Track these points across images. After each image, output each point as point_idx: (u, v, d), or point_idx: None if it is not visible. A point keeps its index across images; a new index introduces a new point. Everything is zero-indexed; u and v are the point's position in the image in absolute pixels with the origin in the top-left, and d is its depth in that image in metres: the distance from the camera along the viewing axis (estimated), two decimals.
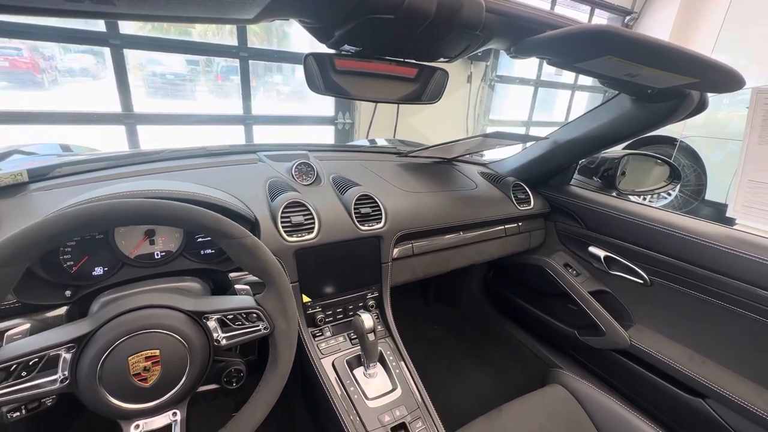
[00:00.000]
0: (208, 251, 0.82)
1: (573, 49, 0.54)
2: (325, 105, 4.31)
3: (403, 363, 0.89)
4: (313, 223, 0.89)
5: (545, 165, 1.25)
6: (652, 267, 1.06)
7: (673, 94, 0.78)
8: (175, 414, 0.54)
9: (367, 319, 0.81)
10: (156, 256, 0.76)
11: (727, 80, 0.63)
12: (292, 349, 0.61)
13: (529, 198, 1.27)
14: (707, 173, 3.50)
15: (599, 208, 1.17)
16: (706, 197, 3.53)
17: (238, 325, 0.57)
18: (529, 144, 1.35)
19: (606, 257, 1.15)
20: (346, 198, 0.98)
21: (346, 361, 0.86)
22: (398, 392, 0.82)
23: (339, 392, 0.80)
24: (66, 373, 0.47)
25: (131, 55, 4.23)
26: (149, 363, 0.50)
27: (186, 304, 0.55)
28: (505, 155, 1.52)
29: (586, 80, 5.18)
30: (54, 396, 0.55)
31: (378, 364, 0.87)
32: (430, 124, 4.14)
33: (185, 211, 0.52)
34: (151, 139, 3.69)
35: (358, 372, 0.85)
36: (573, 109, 5.49)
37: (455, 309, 1.75)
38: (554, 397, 1.01)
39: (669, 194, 3.74)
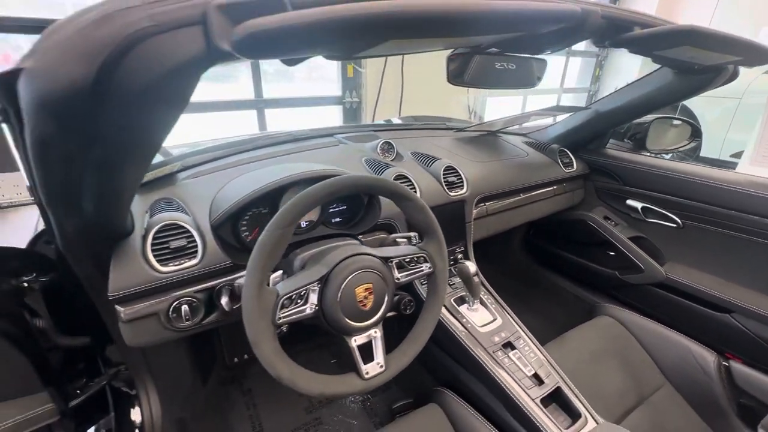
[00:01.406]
0: (337, 219, 1.00)
1: (660, 41, 0.71)
2: (331, 85, 4.35)
3: (495, 300, 1.10)
4: (416, 191, 1.07)
5: (586, 132, 1.44)
6: (683, 212, 1.27)
7: (714, 67, 0.96)
8: (376, 332, 0.73)
9: (471, 265, 1.01)
10: (302, 225, 0.94)
11: (763, 56, 0.82)
12: (446, 283, 0.80)
13: (572, 162, 1.46)
14: (702, 131, 3.72)
15: (636, 165, 1.37)
16: (700, 154, 3.78)
17: (411, 266, 0.76)
18: (565, 115, 1.53)
19: (643, 207, 1.36)
20: (434, 169, 1.16)
21: (453, 300, 1.06)
22: (499, 321, 1.03)
23: (456, 324, 1.00)
24: (315, 303, 0.66)
25: None
26: (367, 293, 0.69)
27: (378, 252, 0.74)
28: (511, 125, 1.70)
29: (578, 46, 5.29)
30: (288, 325, 0.74)
31: (477, 302, 1.07)
32: (435, 100, 4.23)
33: (387, 183, 0.70)
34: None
35: (463, 309, 1.06)
36: (568, 75, 5.65)
37: (499, 266, 1.97)
38: (603, 325, 1.24)
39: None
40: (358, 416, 1.23)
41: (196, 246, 0.77)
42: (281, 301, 0.62)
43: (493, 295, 1.11)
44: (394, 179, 1.05)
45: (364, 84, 4.32)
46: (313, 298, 0.66)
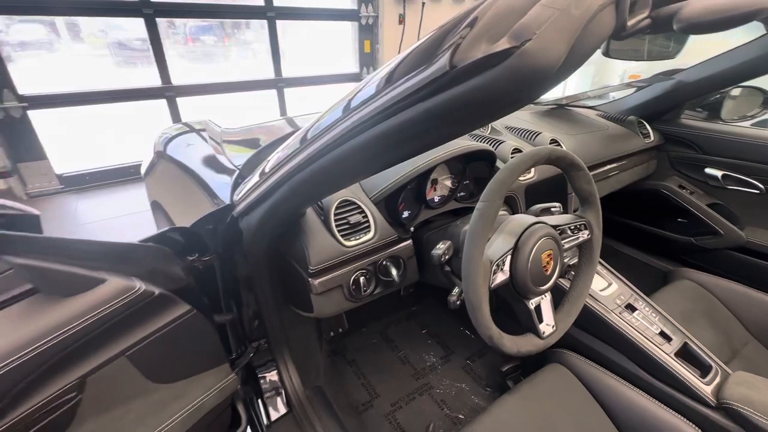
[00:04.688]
0: (462, 194, 1.04)
1: None
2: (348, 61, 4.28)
3: (604, 267, 1.15)
4: None
5: (666, 103, 1.47)
6: (767, 178, 1.32)
7: None
8: (547, 295, 0.78)
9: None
10: (435, 200, 0.98)
11: None
12: (599, 248, 0.85)
13: (650, 132, 1.50)
14: None
15: (717, 134, 1.41)
16: None
17: (574, 234, 0.81)
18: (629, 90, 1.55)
19: (723, 175, 1.41)
20: (539, 143, 1.19)
21: (568, 265, 1.12)
22: (614, 286, 1.09)
23: None
24: (508, 268, 0.70)
25: (87, 22, 3.90)
26: (549, 258, 0.73)
27: (548, 220, 0.78)
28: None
29: None
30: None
31: None
32: None
33: (570, 155, 0.74)
34: (194, 109, 3.68)
35: None
36: None
37: None
38: (685, 287, 1.30)
39: None
40: (464, 380, 1.30)
41: (368, 221, 0.80)
42: (492, 267, 0.66)
43: (602, 263, 1.16)
44: (512, 152, 1.08)
45: (381, 59, 4.29)
46: (506, 264, 0.70)
